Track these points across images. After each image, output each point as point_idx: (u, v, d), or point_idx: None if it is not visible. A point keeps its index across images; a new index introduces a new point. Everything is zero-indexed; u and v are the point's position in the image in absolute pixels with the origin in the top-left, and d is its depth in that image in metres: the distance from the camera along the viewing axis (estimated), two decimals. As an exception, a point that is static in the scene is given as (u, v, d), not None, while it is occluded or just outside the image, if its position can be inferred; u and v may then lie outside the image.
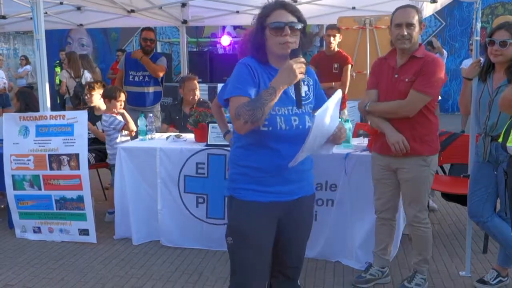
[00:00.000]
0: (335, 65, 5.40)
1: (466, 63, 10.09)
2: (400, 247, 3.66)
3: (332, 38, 5.39)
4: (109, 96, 4.55)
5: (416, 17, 2.87)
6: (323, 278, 3.38)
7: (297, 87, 1.98)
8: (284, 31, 1.99)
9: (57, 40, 14.14)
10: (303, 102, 2.05)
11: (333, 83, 5.28)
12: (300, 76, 1.92)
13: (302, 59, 1.94)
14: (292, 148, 1.97)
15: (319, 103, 2.15)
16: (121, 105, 4.55)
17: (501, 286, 3.18)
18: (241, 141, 2.11)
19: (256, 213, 2.06)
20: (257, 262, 2.10)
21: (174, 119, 4.98)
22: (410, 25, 2.86)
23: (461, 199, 4.02)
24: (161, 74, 5.52)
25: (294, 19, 2.03)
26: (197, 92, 4.94)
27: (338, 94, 2.00)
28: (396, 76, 2.97)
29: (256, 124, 1.93)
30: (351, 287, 3.25)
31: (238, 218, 2.10)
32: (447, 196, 4.33)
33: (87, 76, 8.05)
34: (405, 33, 2.86)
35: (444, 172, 4.57)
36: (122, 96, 4.58)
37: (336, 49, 5.46)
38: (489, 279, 3.19)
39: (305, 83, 2.15)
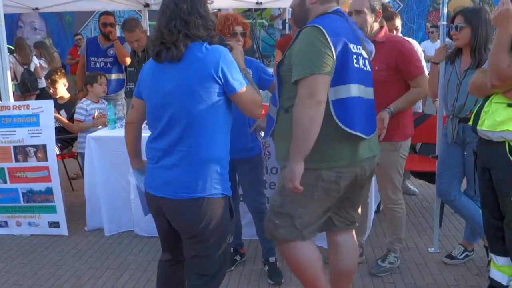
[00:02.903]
0: None
1: (424, 46, 10.37)
2: (372, 227, 3.77)
3: None
4: (91, 82, 4.60)
5: (367, 4, 2.87)
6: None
7: None
8: None
9: (7, 24, 13.49)
10: None
11: None
12: None
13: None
14: None
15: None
16: (104, 90, 4.63)
17: (467, 260, 3.35)
18: None
19: None
20: None
21: None
22: (359, 12, 2.88)
23: (429, 177, 4.18)
24: (128, 61, 5.40)
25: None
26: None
27: None
28: None
29: None
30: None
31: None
32: (417, 174, 4.52)
33: (36, 62, 7.77)
34: (354, 20, 2.85)
35: (415, 151, 4.74)
36: (104, 79, 4.66)
37: None
38: (457, 254, 3.35)
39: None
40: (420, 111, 4.54)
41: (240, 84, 2.03)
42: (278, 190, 2.35)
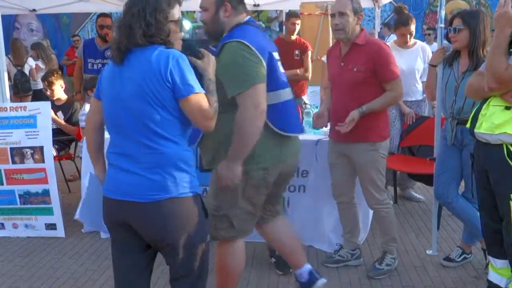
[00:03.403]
0: (296, 52, 5.42)
1: (421, 47, 10.38)
2: (370, 230, 3.77)
3: (296, 26, 5.40)
4: (91, 87, 4.46)
5: (349, 6, 2.93)
6: (297, 262, 3.45)
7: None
8: None
9: (4, 25, 13.44)
10: None
11: (298, 70, 5.31)
12: None
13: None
14: None
15: None
16: None
17: (465, 263, 3.35)
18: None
19: None
20: None
21: None
22: (342, 14, 2.93)
23: (426, 179, 4.19)
24: None
25: None
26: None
27: None
28: (342, 64, 3.05)
29: None
30: (322, 267, 3.36)
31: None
32: (414, 176, 4.52)
33: (31, 64, 7.74)
34: (337, 22, 2.94)
35: (413, 153, 4.75)
36: None
37: (294, 36, 5.48)
38: (455, 257, 3.36)
39: None
40: (426, 114, 4.53)
41: (190, 90, 1.91)
42: (212, 194, 2.48)
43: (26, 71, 7.75)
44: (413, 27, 4.29)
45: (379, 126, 3.09)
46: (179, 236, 1.99)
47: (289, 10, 5.87)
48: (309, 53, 5.48)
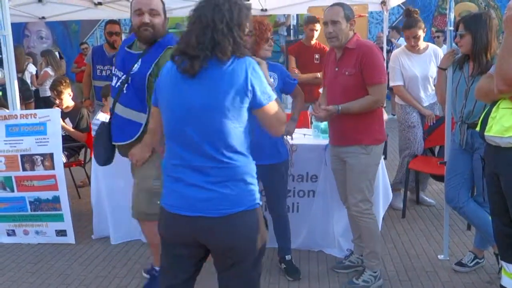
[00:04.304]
0: (316, 56, 5.42)
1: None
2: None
3: (315, 32, 5.39)
4: (105, 95, 4.50)
5: (341, 14, 2.91)
6: (307, 267, 3.43)
7: None
8: None
9: (14, 33, 13.61)
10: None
11: (318, 74, 5.29)
12: None
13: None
14: None
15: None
16: None
17: (478, 268, 3.31)
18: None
19: None
20: None
21: None
22: (334, 22, 2.92)
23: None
24: None
25: None
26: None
27: None
28: (336, 69, 3.03)
29: None
30: (332, 272, 3.35)
31: None
32: (435, 177, 4.53)
33: (31, 70, 7.76)
34: (331, 30, 2.92)
35: (434, 154, 4.73)
36: None
37: (314, 40, 5.48)
38: (467, 262, 3.32)
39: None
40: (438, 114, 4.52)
41: (268, 98, 1.92)
42: (154, 177, 2.76)
43: (27, 77, 7.79)
44: (419, 31, 4.22)
45: (374, 129, 3.02)
46: (251, 246, 1.98)
47: (308, 16, 5.86)
48: None
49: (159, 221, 2.07)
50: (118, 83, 2.84)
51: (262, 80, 1.91)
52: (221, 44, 1.85)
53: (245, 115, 1.91)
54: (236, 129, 1.90)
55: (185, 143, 1.93)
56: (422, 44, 4.36)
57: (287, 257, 3.33)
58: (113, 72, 2.96)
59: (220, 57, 1.86)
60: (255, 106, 1.90)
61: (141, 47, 2.80)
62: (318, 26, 5.36)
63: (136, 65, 2.75)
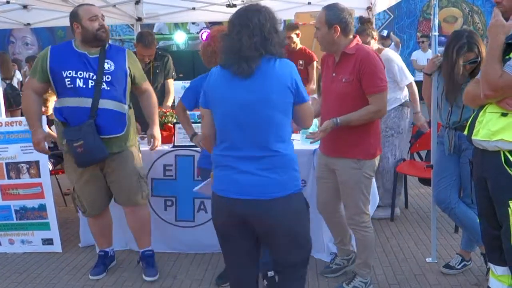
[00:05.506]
0: (300, 62, 5.39)
1: (416, 55, 10.46)
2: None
3: (293, 38, 5.34)
4: None
5: (323, 19, 2.81)
6: (297, 273, 3.42)
7: None
8: None
9: (-1, 39, 13.51)
10: None
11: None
12: None
13: None
14: None
15: None
16: None
17: (465, 270, 3.34)
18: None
19: None
20: None
21: (136, 118, 4.83)
22: (317, 28, 2.87)
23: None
24: None
25: None
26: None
27: None
28: (333, 74, 2.93)
29: None
30: (322, 277, 3.34)
31: None
32: (423, 181, 4.56)
33: (19, 77, 7.70)
34: (316, 36, 2.89)
35: (421, 158, 4.76)
36: None
37: (299, 46, 5.44)
38: (455, 264, 3.34)
39: None
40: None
41: (307, 95, 2.22)
42: (141, 164, 3.41)
43: (15, 84, 7.72)
44: (367, 39, 4.07)
45: (369, 143, 2.91)
46: (298, 227, 2.22)
47: (288, 23, 5.83)
48: (315, 63, 5.36)
49: (212, 208, 2.30)
50: (93, 83, 3.10)
51: (300, 80, 2.18)
52: (272, 42, 2.10)
53: (290, 108, 2.17)
54: (284, 121, 2.15)
55: (239, 135, 2.14)
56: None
57: (270, 274, 3.09)
58: (74, 75, 3.11)
59: (273, 54, 2.11)
60: (299, 101, 2.18)
61: (88, 50, 3.14)
62: (294, 34, 5.30)
63: (107, 65, 3.14)
